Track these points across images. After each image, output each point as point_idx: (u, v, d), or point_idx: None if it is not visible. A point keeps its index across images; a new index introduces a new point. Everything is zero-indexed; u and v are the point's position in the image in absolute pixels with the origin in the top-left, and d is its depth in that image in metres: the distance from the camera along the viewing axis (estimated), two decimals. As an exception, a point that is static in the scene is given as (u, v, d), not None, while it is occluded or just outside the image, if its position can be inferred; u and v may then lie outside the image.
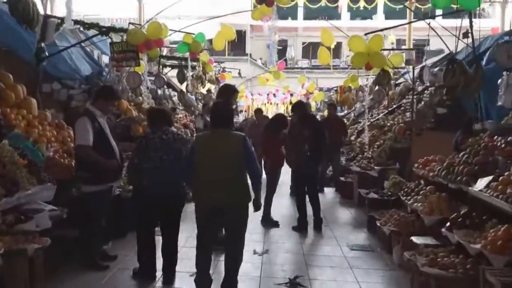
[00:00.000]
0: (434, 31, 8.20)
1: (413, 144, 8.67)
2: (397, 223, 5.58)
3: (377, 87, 10.44)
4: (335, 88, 21.28)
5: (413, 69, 9.43)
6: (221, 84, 7.62)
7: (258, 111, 13.25)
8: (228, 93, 5.69)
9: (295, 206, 7.42)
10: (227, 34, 10.34)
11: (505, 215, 3.98)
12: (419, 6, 27.45)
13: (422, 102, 9.70)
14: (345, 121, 12.80)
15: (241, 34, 36.38)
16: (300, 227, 7.07)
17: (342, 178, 9.98)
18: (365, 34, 7.87)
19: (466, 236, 4.16)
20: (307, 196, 7.25)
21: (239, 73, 21.65)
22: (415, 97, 9.60)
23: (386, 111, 11.95)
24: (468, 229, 4.29)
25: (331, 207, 8.80)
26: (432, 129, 8.70)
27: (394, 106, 11.94)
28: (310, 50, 34.48)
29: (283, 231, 7.02)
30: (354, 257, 5.73)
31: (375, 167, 8.62)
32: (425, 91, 10.26)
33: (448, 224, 4.52)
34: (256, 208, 4.43)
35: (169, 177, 4.58)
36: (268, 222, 7.32)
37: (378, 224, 6.05)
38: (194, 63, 14.44)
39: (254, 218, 7.06)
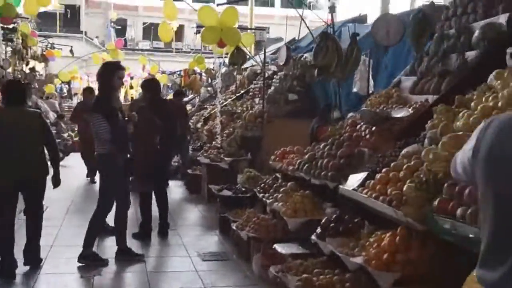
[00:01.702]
0: (305, 23, 7.59)
1: (265, 132, 8.12)
2: (256, 227, 4.81)
3: (226, 70, 9.66)
4: (178, 72, 20.26)
5: (264, 51, 8.83)
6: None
7: (88, 91, 10.48)
8: (110, 70, 4.90)
9: (137, 207, 6.25)
10: (41, -2, 8.44)
11: (382, 219, 3.42)
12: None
13: (272, 88, 9.23)
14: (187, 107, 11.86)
15: (74, 9, 32.96)
16: (142, 234, 5.92)
17: (189, 171, 9.04)
18: (217, 5, 6.93)
19: (341, 245, 3.52)
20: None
21: (71, 51, 19.29)
22: (263, 82, 9.08)
23: (234, 97, 11.31)
24: (342, 236, 3.68)
25: (178, 204, 7.81)
26: (284, 116, 8.24)
27: (242, 91, 11.37)
28: (151, 31, 32.76)
29: (121, 240, 5.81)
30: (207, 270, 4.81)
31: (226, 158, 7.84)
32: (275, 76, 9.82)
33: (318, 230, 3.86)
34: (56, 184, 4.76)
35: None
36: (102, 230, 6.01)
37: (234, 228, 5.24)
38: (12, 35, 12.10)
39: (79, 226, 5.70)
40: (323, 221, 3.90)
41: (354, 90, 6.39)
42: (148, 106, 6.06)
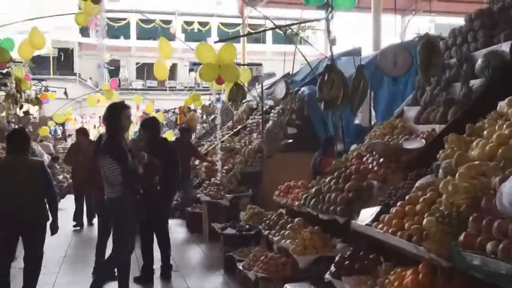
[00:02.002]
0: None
1: (265, 167, 8.01)
2: (264, 266, 4.61)
3: (223, 106, 9.61)
4: (173, 110, 20.25)
5: (262, 86, 8.82)
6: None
7: (81, 131, 9.82)
8: (117, 111, 4.77)
9: (139, 249, 6.00)
10: (35, 41, 8.39)
11: (400, 255, 3.26)
12: (251, 31, 28.29)
13: (270, 122, 9.17)
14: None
15: (68, 52, 33.23)
16: (144, 278, 5.67)
17: (188, 209, 8.84)
18: (215, 42, 6.93)
19: (359, 284, 3.35)
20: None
21: (65, 93, 19.29)
22: (261, 116, 9.03)
23: (232, 132, 11.24)
24: (358, 273, 3.51)
25: (179, 244, 7.56)
26: (284, 150, 8.14)
27: (239, 127, 11.31)
28: (144, 71, 32.99)
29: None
30: (215, 314, 4.61)
31: (227, 195, 7.67)
32: (272, 110, 9.78)
33: (332, 268, 3.69)
34: (54, 231, 4.80)
35: None
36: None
37: (241, 267, 5.03)
38: (6, 80, 12.06)
39: (77, 272, 5.61)
40: (336, 258, 3.73)
41: (356, 121, 6.34)
42: (146, 146, 5.88)
